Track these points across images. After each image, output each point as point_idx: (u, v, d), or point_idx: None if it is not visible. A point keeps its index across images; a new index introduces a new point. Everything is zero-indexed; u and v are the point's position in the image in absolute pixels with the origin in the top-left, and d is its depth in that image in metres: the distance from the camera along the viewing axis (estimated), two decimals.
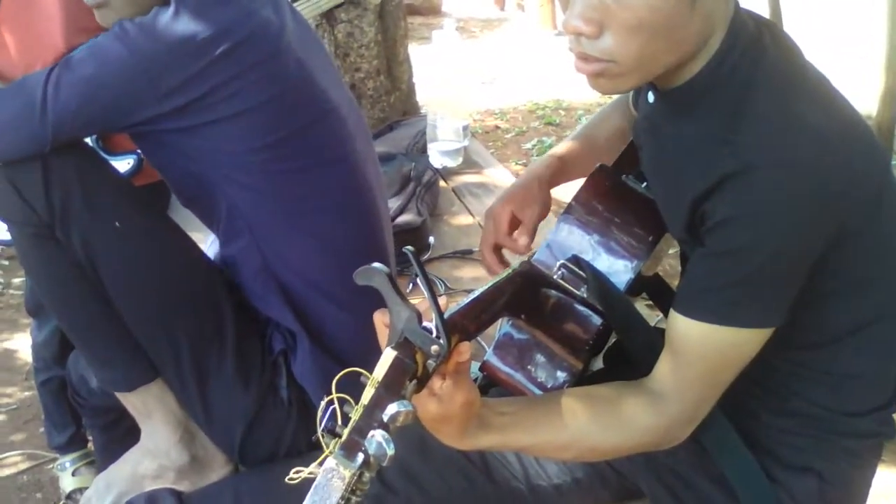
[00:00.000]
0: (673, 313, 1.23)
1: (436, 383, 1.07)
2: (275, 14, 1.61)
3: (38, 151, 1.54)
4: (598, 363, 1.61)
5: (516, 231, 1.58)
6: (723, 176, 1.12)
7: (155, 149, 1.67)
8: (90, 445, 2.26)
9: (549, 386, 1.43)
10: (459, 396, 1.10)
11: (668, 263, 2.96)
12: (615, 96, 1.67)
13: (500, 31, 7.80)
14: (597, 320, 1.42)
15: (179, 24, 1.50)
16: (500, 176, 3.47)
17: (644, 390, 1.26)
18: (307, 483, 0.94)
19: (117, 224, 1.60)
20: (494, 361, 1.46)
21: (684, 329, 1.20)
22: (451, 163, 3.45)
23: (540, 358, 1.44)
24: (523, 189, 1.61)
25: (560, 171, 1.64)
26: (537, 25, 7.47)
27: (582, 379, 1.45)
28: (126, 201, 1.66)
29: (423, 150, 3.45)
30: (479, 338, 2.14)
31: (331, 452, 0.95)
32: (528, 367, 1.44)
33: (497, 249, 1.60)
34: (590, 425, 1.24)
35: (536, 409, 1.26)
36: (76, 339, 1.75)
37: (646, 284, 1.58)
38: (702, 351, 1.20)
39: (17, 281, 3.38)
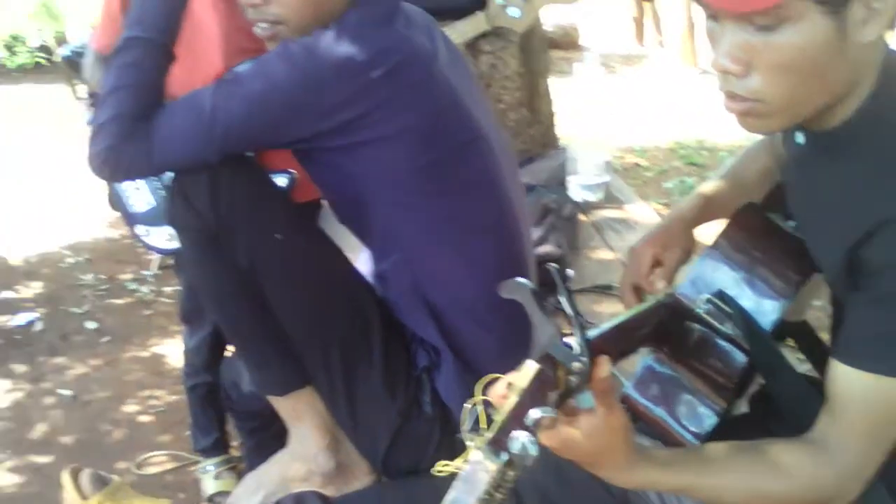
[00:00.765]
0: (833, 361, 1.19)
1: (584, 421, 1.07)
2: (428, 41, 1.67)
3: (205, 162, 1.61)
4: (742, 407, 1.57)
5: (655, 273, 1.58)
6: (880, 221, 1.12)
7: (316, 167, 1.74)
8: (232, 451, 2.35)
9: (689, 422, 1.40)
10: (614, 420, 1.09)
11: (814, 315, 2.87)
12: (761, 136, 1.66)
13: (640, 67, 7.74)
14: (741, 358, 1.40)
15: (340, 45, 1.57)
16: (642, 213, 3.43)
17: (808, 442, 1.21)
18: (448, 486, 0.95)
19: (278, 236, 1.68)
20: (635, 395, 1.44)
21: (844, 378, 1.16)
22: (592, 197, 3.44)
23: (682, 394, 1.42)
24: (666, 230, 1.61)
25: (705, 210, 1.63)
26: (678, 62, 7.40)
27: (727, 421, 1.41)
28: (286, 215, 1.74)
29: (562, 183, 3.47)
30: (617, 372, 2.13)
31: (478, 447, 0.96)
32: (670, 401, 1.42)
33: (637, 289, 1.60)
34: (754, 468, 1.19)
35: (697, 453, 1.24)
36: (235, 341, 1.83)
37: (791, 330, 1.55)
38: (864, 402, 1.15)
39: (168, 290, 3.52)
